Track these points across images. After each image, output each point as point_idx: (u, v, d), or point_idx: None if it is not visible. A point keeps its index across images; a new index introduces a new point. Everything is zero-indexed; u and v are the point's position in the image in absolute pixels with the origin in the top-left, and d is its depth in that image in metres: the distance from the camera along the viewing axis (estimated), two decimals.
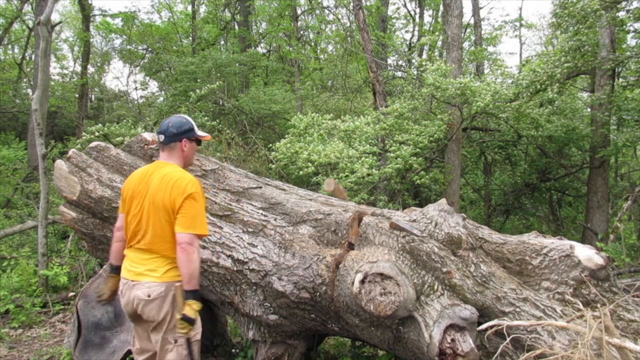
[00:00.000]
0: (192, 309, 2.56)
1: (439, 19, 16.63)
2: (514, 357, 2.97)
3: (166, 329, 2.66)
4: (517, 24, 19.26)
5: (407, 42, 17.38)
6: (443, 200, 3.50)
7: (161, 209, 2.62)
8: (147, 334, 2.78)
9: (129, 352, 3.73)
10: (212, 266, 3.62)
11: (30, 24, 16.27)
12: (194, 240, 2.56)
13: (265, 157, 9.58)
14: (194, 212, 2.59)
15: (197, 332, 2.73)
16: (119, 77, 42.13)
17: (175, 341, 2.65)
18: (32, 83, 15.38)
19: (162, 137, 2.80)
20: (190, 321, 2.56)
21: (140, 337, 2.84)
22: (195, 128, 2.86)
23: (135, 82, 26.42)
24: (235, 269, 3.60)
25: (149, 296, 2.59)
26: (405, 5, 17.67)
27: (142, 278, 2.63)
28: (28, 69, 17.85)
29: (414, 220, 3.35)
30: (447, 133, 8.01)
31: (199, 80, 12.45)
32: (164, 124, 2.82)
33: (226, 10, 18.30)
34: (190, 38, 18.61)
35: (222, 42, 18.69)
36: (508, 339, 2.79)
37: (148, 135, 4.52)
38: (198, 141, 2.92)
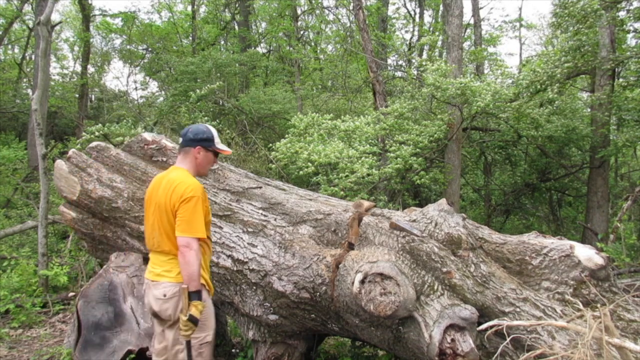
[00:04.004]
0: (197, 309, 2.61)
1: (439, 19, 16.63)
2: (514, 357, 2.97)
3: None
4: (517, 24, 19.28)
5: (407, 42, 17.37)
6: (443, 200, 3.50)
7: (164, 212, 2.73)
8: (166, 333, 2.83)
9: (129, 352, 3.74)
10: (211, 266, 3.62)
11: (30, 24, 16.27)
12: (191, 243, 2.61)
13: (265, 157, 9.58)
14: (189, 215, 2.64)
15: (207, 334, 2.79)
16: (119, 77, 42.15)
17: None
18: (32, 83, 15.37)
19: (180, 140, 2.90)
20: (195, 321, 2.61)
21: (160, 338, 2.88)
22: (216, 140, 2.89)
23: (135, 82, 26.54)
24: (235, 269, 3.60)
25: (164, 295, 2.70)
26: (405, 5, 17.67)
27: (160, 278, 2.75)
28: (28, 69, 17.85)
29: (414, 220, 3.35)
30: (447, 133, 8.01)
31: (199, 80, 12.44)
32: (186, 129, 2.90)
33: (226, 10, 18.29)
34: (190, 38, 18.61)
35: (222, 42, 18.68)
36: (508, 339, 2.79)
37: (148, 135, 4.52)
38: (215, 153, 2.93)
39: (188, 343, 2.69)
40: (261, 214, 3.84)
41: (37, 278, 5.84)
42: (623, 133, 8.53)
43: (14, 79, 17.34)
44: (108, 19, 17.85)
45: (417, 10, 17.58)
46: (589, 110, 9.60)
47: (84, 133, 7.43)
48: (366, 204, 3.74)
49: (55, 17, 17.69)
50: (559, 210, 11.05)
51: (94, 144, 4.58)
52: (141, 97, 20.21)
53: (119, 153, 4.44)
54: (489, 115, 8.96)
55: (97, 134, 7.15)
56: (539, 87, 8.03)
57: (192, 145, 2.84)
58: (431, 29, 16.90)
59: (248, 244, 3.66)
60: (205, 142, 2.85)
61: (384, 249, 3.24)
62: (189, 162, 2.86)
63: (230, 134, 9.58)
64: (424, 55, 14.94)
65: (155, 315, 2.82)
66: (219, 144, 2.92)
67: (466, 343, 2.84)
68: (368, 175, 6.82)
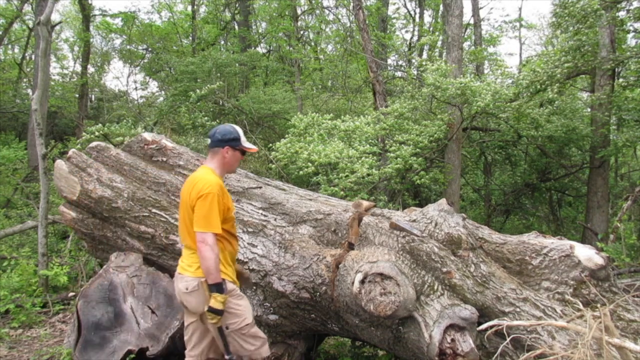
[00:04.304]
0: (216, 300, 2.72)
1: (439, 19, 16.61)
2: (514, 357, 2.97)
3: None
4: (517, 24, 19.27)
5: (407, 42, 17.37)
6: (443, 200, 3.50)
7: (186, 209, 2.88)
8: (197, 324, 2.94)
9: (129, 352, 3.74)
10: None
11: (30, 24, 16.25)
12: (206, 238, 2.72)
13: (265, 157, 9.57)
14: (205, 211, 2.75)
15: (244, 318, 2.88)
16: (119, 77, 42.10)
17: (227, 327, 2.85)
18: (32, 83, 15.36)
19: (208, 141, 3.04)
20: (216, 312, 2.72)
21: (189, 328, 2.98)
22: (242, 139, 3.02)
23: (135, 82, 26.48)
24: None
25: (186, 289, 2.83)
26: (405, 5, 17.65)
27: (183, 272, 2.88)
28: (28, 69, 17.84)
29: (414, 220, 3.35)
30: (447, 133, 8.01)
31: (199, 80, 12.43)
32: (213, 130, 3.04)
33: (226, 10, 18.28)
34: (190, 38, 18.61)
35: (222, 42, 18.67)
36: (508, 339, 2.79)
37: (148, 135, 4.52)
38: (242, 151, 3.07)
39: (219, 329, 2.83)
40: (261, 214, 3.84)
41: (37, 278, 5.83)
42: (623, 133, 8.52)
43: (14, 79, 17.33)
44: (108, 19, 17.84)
45: (417, 10, 17.57)
46: (589, 110, 9.59)
47: (84, 133, 7.42)
48: (366, 203, 3.74)
49: (55, 17, 17.68)
50: (559, 210, 11.05)
51: (94, 144, 4.58)
52: (141, 97, 20.22)
53: (119, 153, 4.44)
54: (489, 115, 8.95)
55: (97, 134, 7.15)
56: (539, 87, 8.02)
57: (220, 146, 2.97)
58: (431, 29, 16.89)
59: (248, 244, 3.66)
60: (233, 141, 2.98)
61: (384, 249, 3.24)
62: (216, 161, 2.99)
63: None
64: (424, 55, 14.93)
65: (183, 305, 2.95)
66: (245, 143, 3.05)
67: (466, 343, 2.84)
68: (368, 175, 6.82)
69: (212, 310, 2.72)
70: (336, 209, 3.72)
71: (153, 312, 3.88)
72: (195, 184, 2.84)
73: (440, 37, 13.94)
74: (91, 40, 17.66)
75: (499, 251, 3.36)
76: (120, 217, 4.13)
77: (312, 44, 18.37)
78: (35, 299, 5.54)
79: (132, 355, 3.74)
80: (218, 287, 2.73)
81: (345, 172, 6.89)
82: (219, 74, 12.35)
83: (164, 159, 4.35)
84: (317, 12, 17.17)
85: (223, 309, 2.75)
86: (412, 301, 2.87)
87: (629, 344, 2.47)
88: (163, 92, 18.04)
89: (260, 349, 2.95)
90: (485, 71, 14.97)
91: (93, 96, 20.31)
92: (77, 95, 17.26)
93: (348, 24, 15.86)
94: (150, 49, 18.04)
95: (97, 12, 17.25)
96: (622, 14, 8.05)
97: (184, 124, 10.49)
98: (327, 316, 3.45)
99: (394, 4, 16.92)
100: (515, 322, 2.90)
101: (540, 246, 3.25)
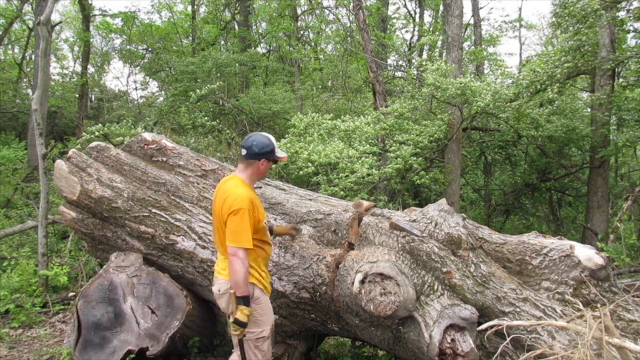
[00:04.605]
0: (242, 313, 2.79)
1: (439, 19, 16.61)
2: (514, 357, 2.97)
3: None
4: (517, 24, 19.28)
5: (407, 42, 17.37)
6: (443, 200, 3.50)
7: (219, 221, 2.95)
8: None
9: (129, 352, 3.74)
10: (212, 266, 3.62)
11: (30, 24, 16.26)
12: (237, 252, 2.78)
13: None
14: (235, 226, 2.81)
15: (262, 330, 2.94)
16: (119, 77, 42.11)
17: (244, 335, 2.91)
18: (32, 83, 15.36)
19: (243, 151, 3.03)
20: (240, 324, 2.80)
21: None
22: (276, 149, 3.06)
23: (135, 82, 26.50)
24: None
25: (219, 291, 2.95)
26: (405, 5, 17.65)
27: (218, 275, 3.01)
28: (28, 69, 17.83)
29: (414, 220, 3.35)
30: (447, 133, 8.01)
31: (199, 80, 12.44)
32: (249, 140, 3.03)
33: (226, 10, 18.29)
34: (190, 38, 18.61)
35: (222, 42, 18.67)
36: (508, 339, 2.79)
37: (148, 135, 4.52)
38: (274, 160, 3.12)
39: (240, 341, 2.89)
40: None
41: (37, 278, 5.83)
42: (623, 133, 8.53)
43: (14, 79, 17.32)
44: (108, 19, 17.85)
45: (417, 10, 17.56)
46: (589, 110, 9.60)
47: (84, 133, 7.42)
48: (366, 203, 3.74)
49: (55, 17, 17.67)
50: (559, 210, 11.05)
51: (94, 144, 4.58)
52: (141, 97, 20.24)
53: (119, 153, 4.44)
54: (489, 115, 8.96)
55: (97, 134, 7.15)
56: (539, 87, 8.02)
57: (257, 159, 3.00)
58: (431, 29, 16.88)
59: None
60: (269, 154, 3.03)
61: (384, 249, 3.24)
62: (249, 172, 3.03)
63: (230, 134, 9.57)
64: (424, 55, 14.94)
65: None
66: (279, 152, 3.09)
67: (466, 343, 2.84)
68: (368, 175, 6.81)
69: (237, 322, 2.78)
70: (336, 209, 3.72)
71: (153, 312, 3.88)
72: (226, 198, 2.87)
73: (440, 37, 13.93)
74: (91, 40, 17.67)
75: (499, 251, 3.36)
76: (120, 217, 4.14)
77: (312, 44, 18.37)
78: (35, 299, 5.54)
79: (132, 355, 3.74)
80: (245, 300, 2.80)
81: (345, 172, 6.89)
82: (219, 74, 12.35)
83: (164, 159, 4.35)
84: (317, 12, 17.17)
85: (247, 322, 2.81)
86: (412, 301, 2.87)
87: (629, 344, 2.47)
88: (163, 92, 18.05)
89: None
90: (485, 71, 14.98)
91: (93, 96, 20.32)
92: (77, 95, 17.27)
93: (348, 24, 15.86)
94: (150, 49, 18.05)
95: (97, 12, 17.26)
96: (622, 14, 8.05)
97: (184, 124, 10.50)
98: (327, 316, 3.45)
99: (394, 4, 16.94)
100: (515, 322, 2.89)
101: (540, 246, 3.25)
